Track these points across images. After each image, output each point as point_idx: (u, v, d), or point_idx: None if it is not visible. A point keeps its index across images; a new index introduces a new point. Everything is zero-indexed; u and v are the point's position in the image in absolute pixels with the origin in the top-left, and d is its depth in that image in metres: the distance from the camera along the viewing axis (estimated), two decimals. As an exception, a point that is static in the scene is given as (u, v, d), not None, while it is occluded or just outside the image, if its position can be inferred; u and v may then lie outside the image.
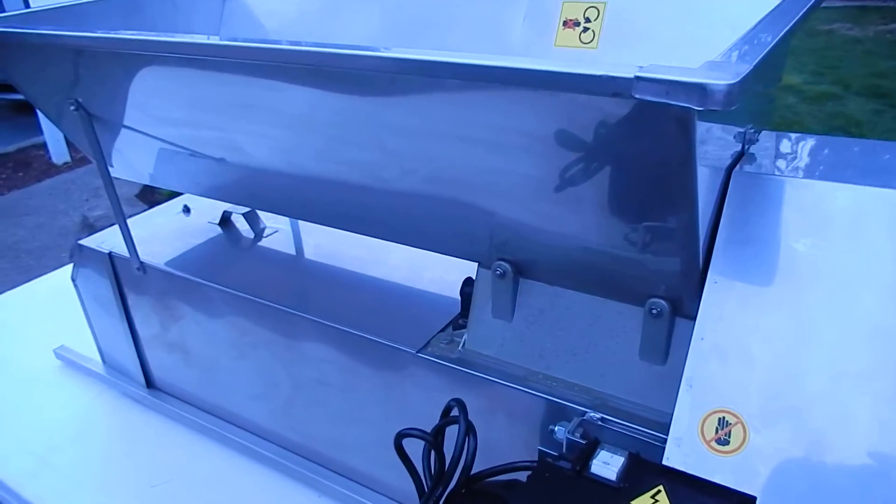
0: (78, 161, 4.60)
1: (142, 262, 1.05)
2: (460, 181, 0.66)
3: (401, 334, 0.82)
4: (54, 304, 1.41)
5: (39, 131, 4.64)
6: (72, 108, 0.93)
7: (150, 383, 1.20)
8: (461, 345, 0.79)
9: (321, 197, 0.83)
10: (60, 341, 1.34)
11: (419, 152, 0.66)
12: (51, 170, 4.66)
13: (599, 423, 0.68)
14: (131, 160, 1.02)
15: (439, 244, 0.78)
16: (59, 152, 4.68)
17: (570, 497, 0.54)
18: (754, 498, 0.53)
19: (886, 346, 0.52)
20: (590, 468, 0.56)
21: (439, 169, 0.66)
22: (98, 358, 1.28)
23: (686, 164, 0.50)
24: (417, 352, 0.79)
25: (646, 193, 0.56)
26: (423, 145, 0.65)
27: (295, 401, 0.98)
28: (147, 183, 1.08)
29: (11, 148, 5.06)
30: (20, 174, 4.70)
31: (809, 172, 0.61)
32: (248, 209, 1.13)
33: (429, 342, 0.80)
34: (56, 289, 1.48)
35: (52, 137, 4.49)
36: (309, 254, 1.07)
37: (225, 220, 1.16)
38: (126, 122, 0.93)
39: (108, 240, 1.12)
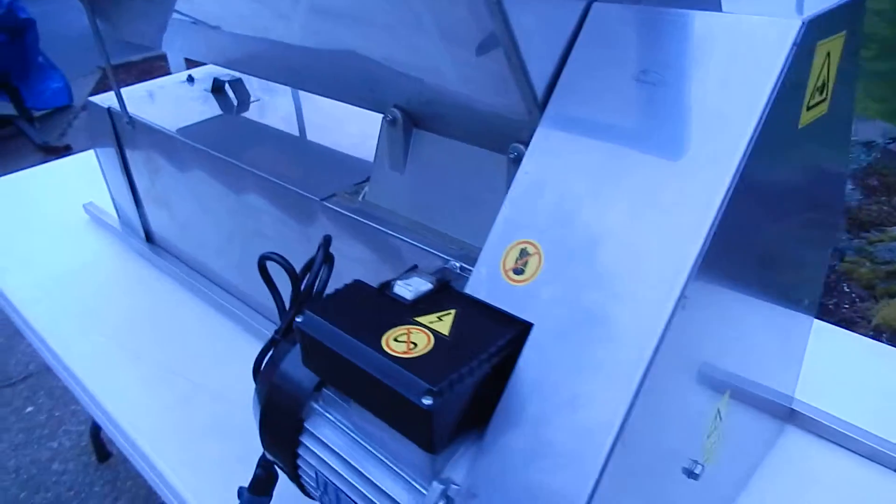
0: (192, 72, 4.89)
1: (130, 117, 1.13)
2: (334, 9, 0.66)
3: (321, 186, 0.84)
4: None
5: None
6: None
7: (149, 238, 1.30)
8: (362, 196, 0.80)
9: (255, 49, 0.86)
10: (93, 199, 1.48)
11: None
12: (168, 78, 4.97)
13: (459, 271, 0.67)
14: (120, 18, 1.08)
15: (342, 91, 0.79)
16: (177, 63, 4.99)
17: (360, 308, 0.55)
18: (531, 325, 0.51)
19: (688, 177, 0.48)
20: (392, 288, 0.57)
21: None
22: (115, 214, 1.40)
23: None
24: (322, 200, 0.81)
25: (469, 22, 0.53)
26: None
27: (244, 253, 1.03)
28: (147, 44, 1.15)
29: (138, 58, 5.45)
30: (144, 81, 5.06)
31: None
32: (233, 78, 1.18)
33: (335, 193, 0.82)
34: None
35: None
36: (279, 120, 1.10)
37: (218, 89, 1.21)
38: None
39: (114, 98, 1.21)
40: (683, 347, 0.49)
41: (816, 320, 0.98)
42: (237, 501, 0.73)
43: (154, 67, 5.32)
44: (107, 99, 1.22)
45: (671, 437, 0.54)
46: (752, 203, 0.51)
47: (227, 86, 1.20)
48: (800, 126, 0.52)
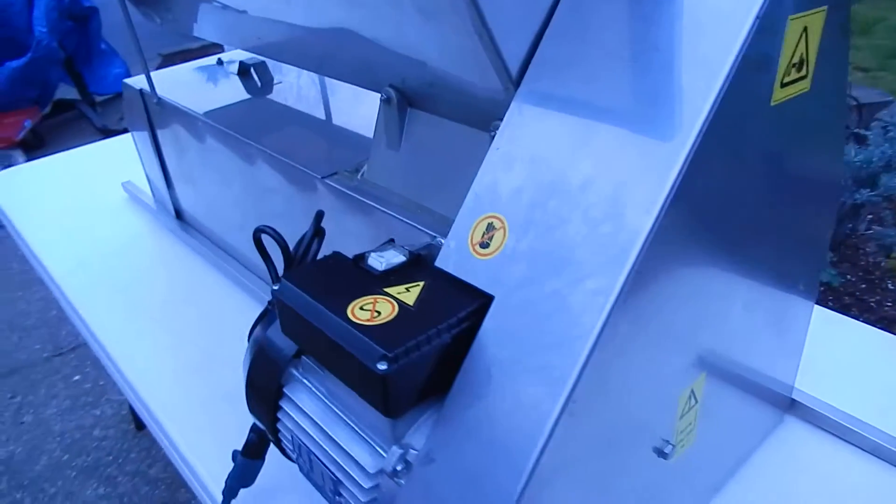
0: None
1: (159, 98, 1.18)
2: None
3: (327, 165, 0.86)
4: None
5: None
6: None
7: (179, 215, 1.35)
8: (360, 174, 0.82)
9: (267, 32, 0.88)
10: (131, 178, 1.55)
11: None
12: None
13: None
14: (152, 4, 1.13)
15: (342, 71, 0.81)
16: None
17: (333, 278, 0.57)
18: (492, 298, 0.52)
19: (647, 151, 0.47)
20: (366, 260, 0.58)
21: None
22: (150, 193, 1.46)
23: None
24: (323, 177, 0.83)
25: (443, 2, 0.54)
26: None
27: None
28: (182, 31, 1.19)
29: (196, 45, 5.60)
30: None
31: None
32: (257, 61, 1.21)
33: (337, 171, 0.84)
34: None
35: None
36: (298, 101, 1.13)
37: (244, 71, 1.25)
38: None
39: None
40: (639, 324, 0.49)
41: (826, 309, 0.96)
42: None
43: (210, 55, 5.49)
44: (141, 81, 1.27)
45: (633, 412, 0.54)
46: (720, 180, 0.50)
47: (251, 69, 1.24)
48: (773, 103, 0.51)
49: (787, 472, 0.77)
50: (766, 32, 0.47)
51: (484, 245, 0.54)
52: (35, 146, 4.03)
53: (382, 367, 0.48)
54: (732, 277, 0.58)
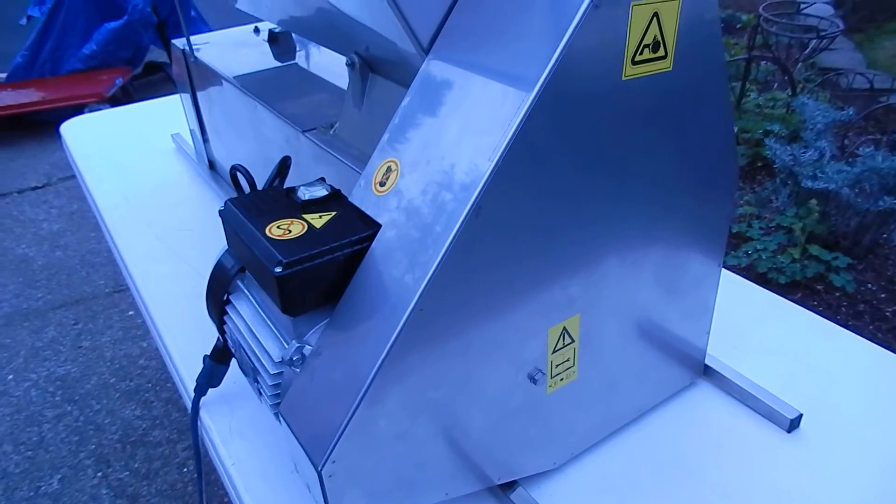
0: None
1: (196, 57, 1.33)
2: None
3: (314, 120, 0.99)
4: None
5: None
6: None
7: (212, 165, 1.52)
8: (333, 130, 0.94)
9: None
10: (180, 131, 1.72)
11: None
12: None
13: (380, 193, 0.79)
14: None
15: (322, 37, 0.92)
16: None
17: (266, 204, 0.69)
18: (380, 226, 0.63)
19: (500, 104, 0.57)
20: (296, 191, 0.70)
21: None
22: (192, 144, 1.63)
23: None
24: (303, 131, 0.96)
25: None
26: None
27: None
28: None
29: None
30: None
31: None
32: (284, 31, 1.35)
33: (317, 126, 0.96)
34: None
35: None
36: (312, 65, 1.25)
37: (274, 39, 1.39)
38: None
39: (194, 42, 1.42)
40: (484, 252, 0.59)
41: (773, 293, 1.02)
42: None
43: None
44: (185, 42, 1.43)
45: (494, 332, 0.64)
46: (567, 132, 0.59)
47: (279, 37, 1.37)
48: (625, 77, 0.59)
49: (684, 428, 0.85)
50: (604, 16, 0.55)
51: (382, 184, 0.65)
52: (123, 103, 4.35)
53: (278, 270, 0.60)
54: (594, 229, 0.66)
